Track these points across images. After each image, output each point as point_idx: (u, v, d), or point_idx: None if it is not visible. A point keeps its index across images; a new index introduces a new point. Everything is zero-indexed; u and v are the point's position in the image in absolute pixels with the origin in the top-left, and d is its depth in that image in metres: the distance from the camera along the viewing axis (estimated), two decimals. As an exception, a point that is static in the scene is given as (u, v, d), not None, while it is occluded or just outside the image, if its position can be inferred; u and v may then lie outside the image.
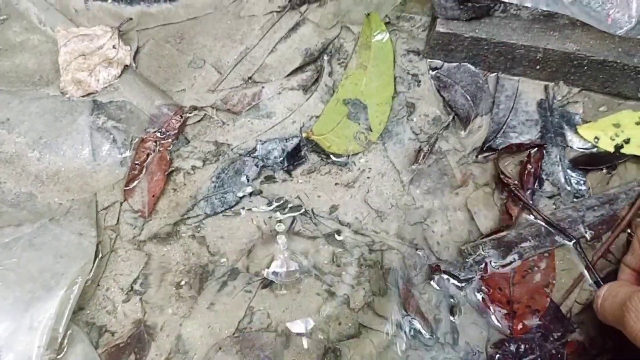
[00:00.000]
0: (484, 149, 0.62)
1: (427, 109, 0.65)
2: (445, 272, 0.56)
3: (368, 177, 0.61)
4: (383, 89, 0.65)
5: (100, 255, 0.56)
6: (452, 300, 0.55)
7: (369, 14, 0.67)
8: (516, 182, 0.60)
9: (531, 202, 0.58)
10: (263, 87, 0.66)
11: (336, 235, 0.58)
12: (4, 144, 0.60)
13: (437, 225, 0.59)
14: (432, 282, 0.56)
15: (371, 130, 0.63)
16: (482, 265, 0.56)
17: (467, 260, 0.57)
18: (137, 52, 0.68)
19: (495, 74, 0.66)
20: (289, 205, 0.60)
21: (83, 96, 0.63)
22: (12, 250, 0.52)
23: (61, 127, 0.61)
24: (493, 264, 0.57)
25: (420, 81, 0.66)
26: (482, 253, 0.57)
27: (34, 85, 0.65)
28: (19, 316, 0.49)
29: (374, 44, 0.67)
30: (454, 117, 0.64)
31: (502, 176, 0.59)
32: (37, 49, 0.67)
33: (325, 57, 0.68)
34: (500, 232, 0.58)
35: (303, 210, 0.59)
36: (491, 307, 0.55)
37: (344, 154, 0.62)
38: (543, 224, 0.58)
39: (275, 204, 0.60)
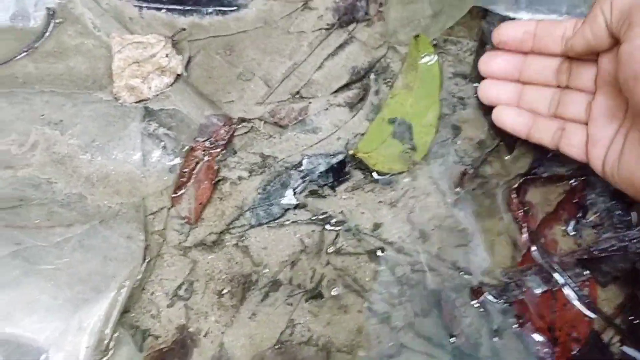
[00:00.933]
0: (529, 175, 0.62)
1: (472, 133, 0.65)
2: (487, 297, 0.56)
3: (412, 197, 0.61)
4: (428, 110, 0.66)
5: (147, 260, 0.56)
6: (493, 325, 0.55)
7: (417, 36, 0.68)
8: (520, 212, 0.60)
9: (541, 237, 0.59)
10: (310, 103, 0.67)
11: (379, 253, 0.58)
12: (57, 144, 0.61)
13: (480, 249, 0.59)
14: (473, 306, 0.56)
15: (415, 150, 0.63)
16: (524, 291, 0.56)
17: (509, 285, 0.57)
18: (188, 62, 0.69)
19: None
20: (333, 220, 0.60)
21: (135, 102, 0.64)
22: (63, 250, 0.53)
23: (113, 132, 0.62)
24: (535, 290, 0.56)
25: (466, 105, 0.67)
26: (524, 279, 0.57)
27: (86, 89, 0.66)
28: (69, 316, 0.49)
29: (420, 66, 0.68)
30: (499, 142, 0.64)
31: (511, 206, 0.60)
32: (90, 54, 0.69)
33: (372, 76, 0.69)
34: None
35: (346, 226, 0.60)
36: (532, 334, 0.55)
37: (388, 173, 0.62)
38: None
39: (319, 218, 0.60)
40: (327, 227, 0.60)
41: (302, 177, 0.62)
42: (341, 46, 0.71)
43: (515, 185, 0.61)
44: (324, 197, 0.62)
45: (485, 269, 0.58)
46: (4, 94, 0.64)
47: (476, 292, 0.57)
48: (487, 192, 0.62)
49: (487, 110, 0.66)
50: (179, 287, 0.56)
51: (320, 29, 0.73)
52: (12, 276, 0.50)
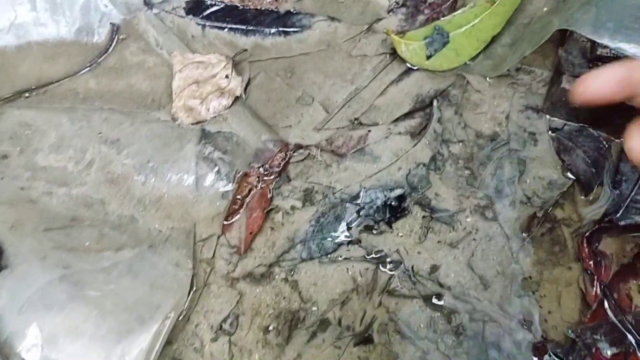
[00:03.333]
0: (604, 222, 0.57)
1: (543, 172, 0.61)
2: (551, 354, 0.52)
3: (474, 239, 0.58)
4: (493, 28, 0.66)
5: (194, 289, 0.55)
6: (557, 386, 0.51)
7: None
8: (592, 263, 0.55)
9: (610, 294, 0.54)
10: (370, 131, 0.64)
11: (435, 300, 0.55)
12: (112, 164, 0.61)
13: (546, 301, 0.55)
14: (536, 364, 0.52)
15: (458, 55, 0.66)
16: (593, 352, 0.52)
17: (576, 344, 0.52)
18: (248, 84, 0.68)
19: (620, 140, 0.62)
20: (388, 259, 0.57)
21: (193, 124, 0.63)
22: (111, 275, 0.52)
23: (169, 153, 0.61)
24: (605, 351, 0.52)
25: (537, 140, 0.63)
26: (594, 338, 0.52)
27: (145, 107, 0.66)
28: (111, 347, 0.48)
29: None
30: (573, 184, 0.60)
31: (582, 255, 0.55)
32: (151, 71, 0.68)
33: (435, 103, 0.66)
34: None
35: (402, 267, 0.56)
36: (601, 401, 0.50)
37: (414, 65, 0.66)
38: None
39: (373, 256, 0.57)
40: (382, 267, 0.57)
41: (358, 211, 0.59)
42: (406, 72, 0.68)
43: (588, 232, 0.57)
44: (380, 233, 0.59)
45: (552, 324, 0.54)
46: (65, 109, 0.64)
47: (539, 350, 0.53)
48: (556, 238, 0.58)
49: (560, 147, 0.62)
50: (224, 320, 0.55)
51: (384, 53, 0.70)
52: (59, 300, 0.50)
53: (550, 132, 0.63)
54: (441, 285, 0.56)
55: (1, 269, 0.51)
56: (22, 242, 0.52)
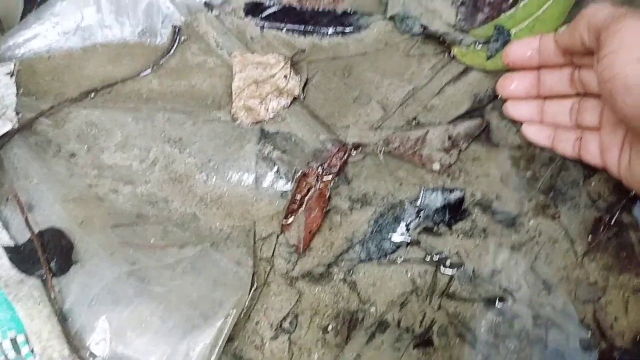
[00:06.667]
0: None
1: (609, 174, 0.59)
2: (618, 362, 0.51)
3: (537, 243, 0.56)
4: (558, 17, 0.63)
5: (254, 287, 0.55)
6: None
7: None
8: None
9: None
10: (427, 132, 0.64)
11: (497, 303, 0.54)
12: (175, 162, 0.62)
13: (612, 307, 0.53)
14: (602, 372, 0.50)
15: None
16: (663, 361, 0.50)
17: (645, 352, 0.50)
18: (305, 84, 0.68)
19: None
20: (448, 261, 0.56)
21: (252, 124, 0.64)
22: (175, 272, 0.54)
23: (229, 153, 0.62)
24: (677, 362, 0.50)
25: (603, 142, 0.61)
26: (664, 347, 0.50)
27: (206, 107, 0.67)
28: (177, 342, 0.49)
29: None
30: (640, 187, 0.58)
31: None
32: (212, 72, 0.70)
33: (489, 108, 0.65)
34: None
35: (463, 269, 0.56)
36: (671, 412, 0.48)
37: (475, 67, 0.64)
38: None
39: (432, 258, 0.57)
40: (442, 268, 0.56)
41: (417, 212, 0.59)
42: (464, 71, 0.67)
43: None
44: (439, 235, 0.58)
45: (618, 331, 0.52)
46: (130, 109, 0.66)
47: (606, 357, 0.51)
48: (623, 242, 0.56)
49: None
50: (284, 318, 0.55)
51: (443, 52, 0.69)
52: (126, 295, 0.51)
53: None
54: (503, 289, 0.55)
55: (72, 264, 0.52)
56: (92, 237, 0.54)
